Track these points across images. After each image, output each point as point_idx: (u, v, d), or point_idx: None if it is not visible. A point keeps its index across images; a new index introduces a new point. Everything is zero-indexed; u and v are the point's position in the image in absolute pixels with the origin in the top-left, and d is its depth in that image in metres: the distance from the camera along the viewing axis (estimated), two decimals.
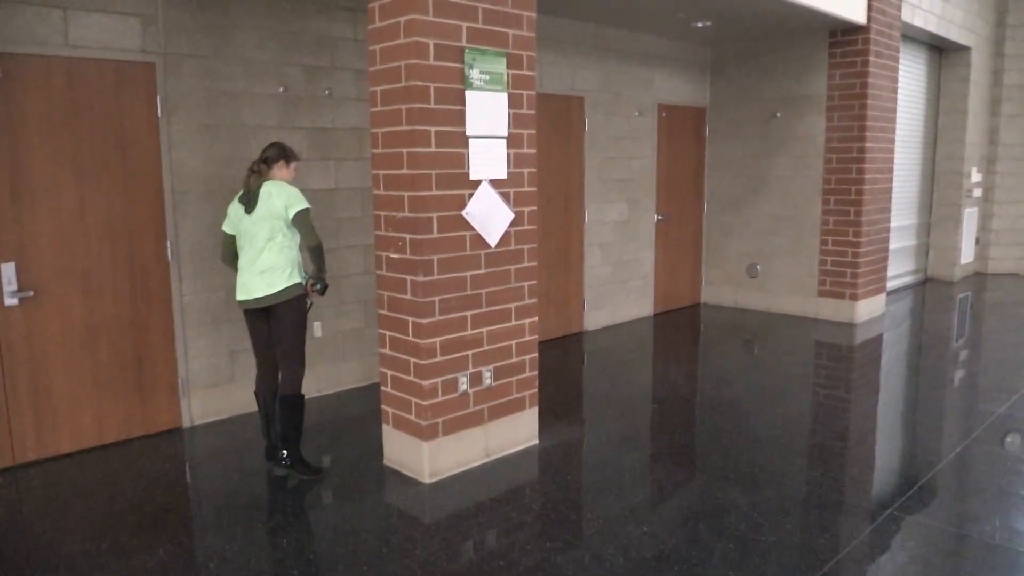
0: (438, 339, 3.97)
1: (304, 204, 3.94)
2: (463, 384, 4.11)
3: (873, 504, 3.75)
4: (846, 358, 6.63)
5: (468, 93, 3.93)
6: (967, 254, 10.63)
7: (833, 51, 7.64)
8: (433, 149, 3.83)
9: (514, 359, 4.39)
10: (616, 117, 7.56)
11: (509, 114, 4.17)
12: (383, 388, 4.23)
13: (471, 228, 4.03)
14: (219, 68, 4.82)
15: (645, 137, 7.95)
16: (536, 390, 4.57)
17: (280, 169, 4.08)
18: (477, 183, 4.05)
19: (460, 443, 4.15)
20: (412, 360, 3.99)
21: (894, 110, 8.07)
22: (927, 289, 9.98)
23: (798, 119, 7.97)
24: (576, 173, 7.25)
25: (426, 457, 4.00)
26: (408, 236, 3.89)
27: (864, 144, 7.54)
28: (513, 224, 4.24)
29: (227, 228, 4.11)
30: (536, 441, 4.58)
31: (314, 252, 3.99)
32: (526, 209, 4.33)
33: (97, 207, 4.41)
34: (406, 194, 3.86)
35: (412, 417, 4.04)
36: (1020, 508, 3.71)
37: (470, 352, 4.13)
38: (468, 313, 4.09)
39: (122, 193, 4.50)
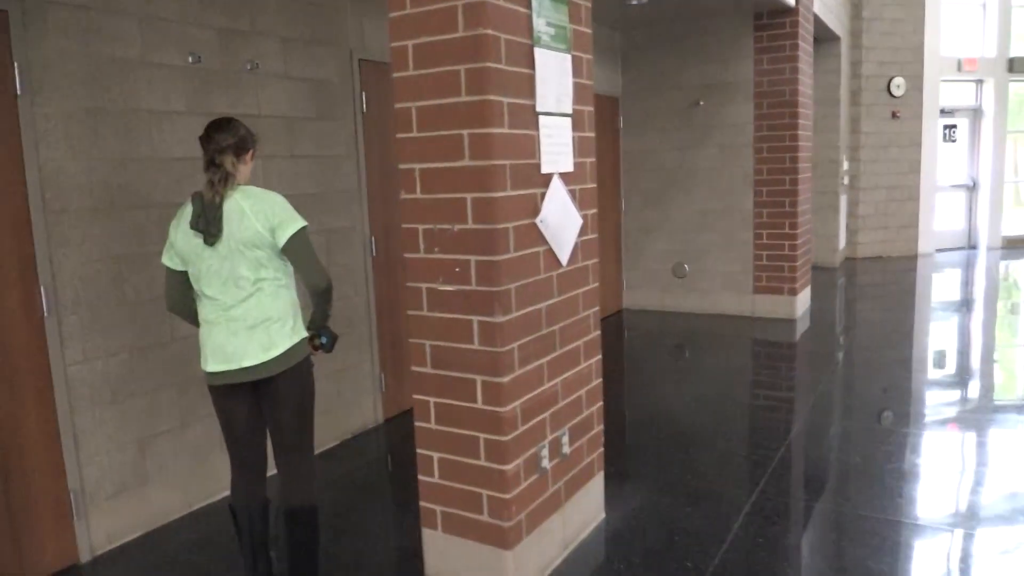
0: (519, 402, 2.79)
1: (300, 221, 2.61)
2: (544, 459, 2.95)
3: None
4: (804, 356, 6.19)
5: (536, 51, 2.79)
6: (841, 240, 10.89)
7: (759, 35, 7.21)
8: (507, 130, 2.65)
9: (584, 413, 3.29)
10: None
11: (573, 84, 3.07)
12: (424, 477, 2.95)
13: (542, 242, 2.89)
14: (104, 24, 3.25)
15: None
16: (603, 449, 3.50)
17: (246, 164, 2.69)
18: (547, 179, 2.92)
19: (542, 540, 2.98)
20: (483, 436, 2.77)
21: (811, 96, 7.85)
22: (815, 276, 10.04)
23: (723, 107, 7.48)
24: None
25: (511, 570, 2.80)
26: (473, 258, 2.67)
27: (797, 132, 7.19)
28: (579, 233, 3.15)
29: (171, 263, 2.68)
30: (604, 515, 3.51)
31: (321, 294, 2.69)
32: (588, 212, 3.26)
33: None
34: (469, 196, 2.64)
35: (484, 517, 2.81)
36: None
37: (548, 413, 2.99)
38: (544, 360, 2.95)
39: None
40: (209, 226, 2.53)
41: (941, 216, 11.79)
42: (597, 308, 3.36)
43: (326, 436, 4.45)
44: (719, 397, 5.30)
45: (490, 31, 2.53)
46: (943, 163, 11.70)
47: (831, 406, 5.03)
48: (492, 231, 2.62)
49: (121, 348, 3.37)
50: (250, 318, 2.57)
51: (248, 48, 3.87)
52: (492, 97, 2.56)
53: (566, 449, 3.11)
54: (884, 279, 9.92)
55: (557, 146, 2.95)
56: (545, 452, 2.95)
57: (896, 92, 10.95)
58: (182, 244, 2.60)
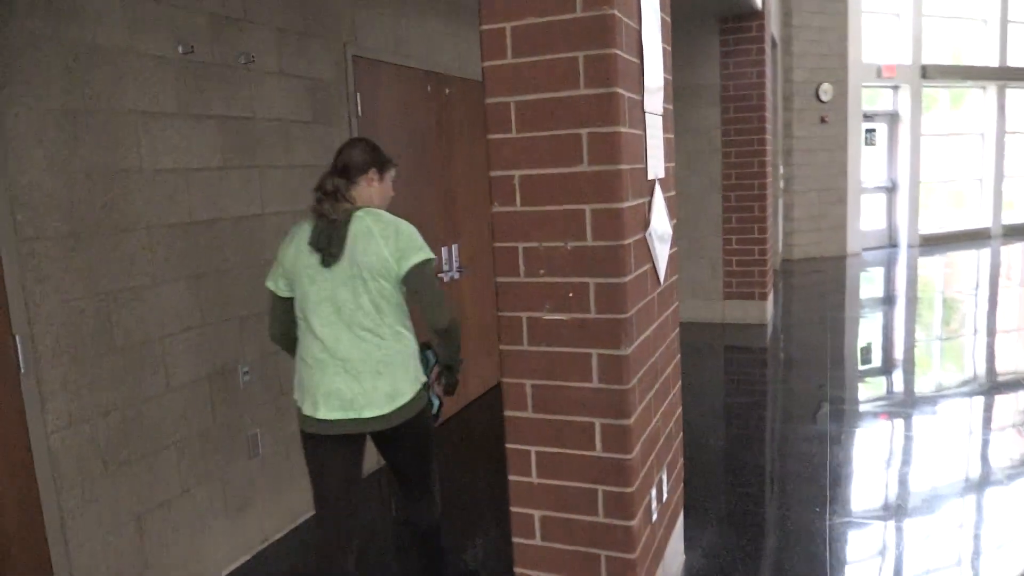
0: (639, 445, 2.38)
1: (427, 252, 2.39)
2: (653, 506, 2.56)
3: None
4: (783, 360, 6.08)
5: (644, 36, 2.40)
6: (780, 243, 11.03)
7: (726, 38, 7.08)
8: (628, 129, 2.25)
9: (673, 447, 2.91)
10: None
11: (666, 78, 2.70)
12: (521, 540, 2.48)
13: (648, 258, 2.50)
14: (82, 1, 2.62)
15: None
16: (683, 484, 3.13)
17: (370, 185, 2.49)
18: (652, 186, 2.53)
19: None
20: (603, 488, 2.34)
21: (772, 100, 7.81)
22: None
23: (690, 111, 7.30)
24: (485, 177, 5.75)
25: None
26: (592, 280, 2.24)
27: (764, 136, 7.10)
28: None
29: (276, 287, 2.46)
30: (683, 556, 3.14)
31: (443, 333, 2.39)
32: (672, 223, 2.89)
33: None
34: (588, 207, 2.21)
35: None
36: None
37: (654, 452, 2.59)
38: (651, 393, 2.55)
39: None
40: (331, 244, 2.31)
41: (866, 217, 12.17)
42: (678, 329, 2.99)
43: None
44: (711, 406, 5.05)
45: (616, 11, 2.12)
46: (866, 166, 12.08)
47: (832, 409, 4.87)
48: (617, 248, 2.20)
49: (112, 405, 2.72)
50: (371, 361, 2.31)
51: (241, 38, 3.29)
52: (619, 90, 2.15)
53: (665, 491, 2.73)
54: (826, 279, 10.12)
55: (656, 148, 2.57)
56: (654, 496, 2.56)
57: (824, 97, 11.21)
58: (291, 263, 2.37)
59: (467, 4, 5.31)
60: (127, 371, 2.78)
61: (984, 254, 12.04)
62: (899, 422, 4.71)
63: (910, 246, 12.41)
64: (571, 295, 2.27)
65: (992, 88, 12.69)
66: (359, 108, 4.05)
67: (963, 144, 13.02)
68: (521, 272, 2.33)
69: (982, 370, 5.96)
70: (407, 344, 2.37)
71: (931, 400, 5.11)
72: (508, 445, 2.45)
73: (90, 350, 2.64)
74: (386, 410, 2.32)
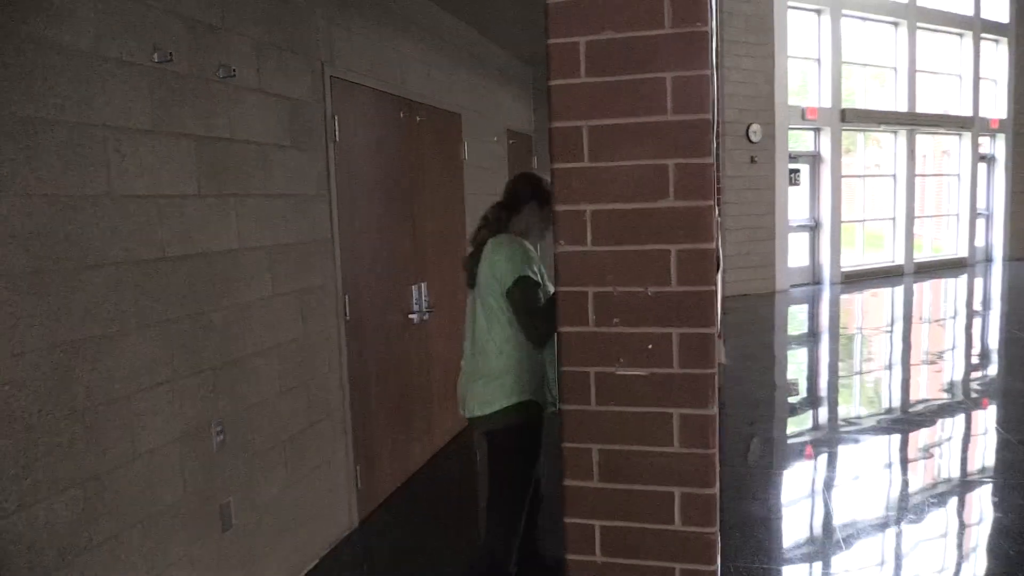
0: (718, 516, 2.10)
1: (518, 271, 2.57)
2: None
3: None
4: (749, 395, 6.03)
5: (712, 54, 2.18)
6: None
7: None
8: (711, 160, 2.00)
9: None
10: (481, 142, 5.94)
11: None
12: None
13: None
14: None
15: (499, 168, 6.44)
16: None
17: (529, 215, 2.77)
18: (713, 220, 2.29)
19: None
20: (680, 567, 2.03)
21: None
22: None
23: None
24: (458, 210, 5.45)
25: None
26: (675, 331, 1.96)
27: (717, 172, 7.09)
28: None
29: None
30: None
31: (539, 349, 2.66)
32: None
33: None
34: (673, 248, 1.94)
35: None
36: None
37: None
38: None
39: None
40: (472, 267, 2.73)
41: (792, 254, 12.49)
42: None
43: (300, 557, 3.42)
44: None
45: (707, 28, 1.89)
46: (791, 205, 12.43)
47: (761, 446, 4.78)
48: (703, 294, 1.93)
49: (71, 481, 2.24)
50: (478, 370, 2.68)
51: (220, 49, 2.89)
52: (704, 116, 1.91)
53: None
54: (761, 315, 10.32)
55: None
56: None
57: (753, 138, 11.48)
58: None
59: (440, 28, 5.04)
60: (90, 438, 2.30)
61: (899, 291, 12.56)
62: (823, 457, 4.95)
63: (832, 283, 12.80)
64: (651, 347, 1.98)
65: (903, 133, 13.36)
66: (336, 132, 3.68)
67: (878, 185, 13.63)
68: (590, 321, 2.02)
69: (900, 402, 6.38)
70: (509, 359, 2.61)
71: (854, 433, 5.35)
72: (568, 520, 2.11)
73: (47, 415, 2.16)
74: (477, 413, 2.67)
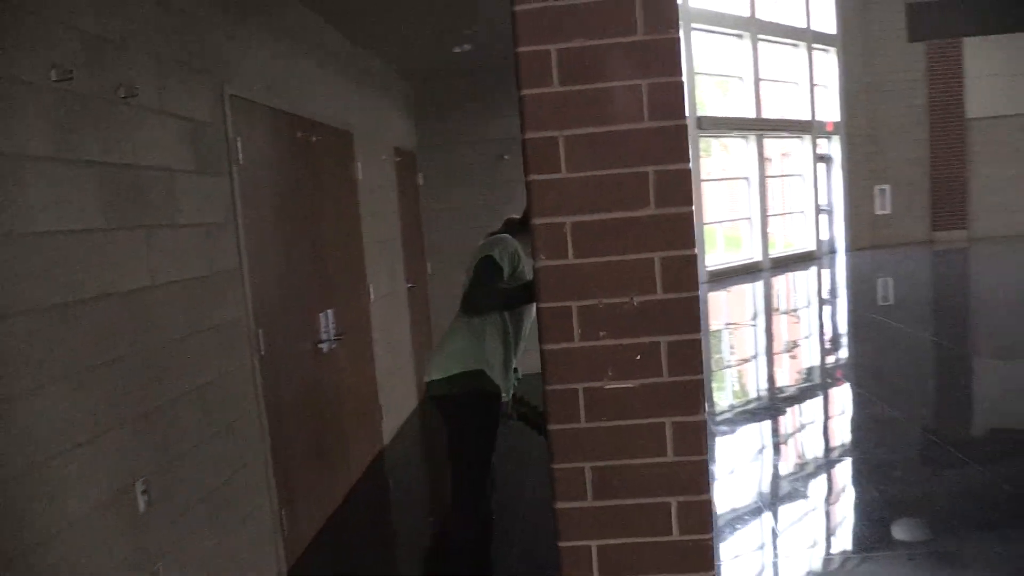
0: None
1: (490, 251, 2.84)
2: None
3: None
4: None
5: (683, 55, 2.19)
6: None
7: None
8: (689, 166, 2.00)
9: None
10: (372, 162, 5.76)
11: None
12: None
13: None
14: None
15: (389, 187, 6.28)
16: None
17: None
18: None
19: None
20: None
21: None
22: None
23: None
24: (356, 233, 5.25)
25: None
26: (663, 339, 1.94)
27: None
28: None
29: None
30: None
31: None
32: None
33: None
34: (657, 255, 1.92)
35: None
36: None
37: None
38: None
39: None
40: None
41: None
42: None
43: None
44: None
45: (678, 34, 1.89)
46: None
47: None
48: (691, 300, 1.93)
49: None
50: (442, 343, 2.98)
51: (121, 66, 2.61)
52: (683, 122, 1.91)
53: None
54: None
55: None
56: None
57: None
58: None
59: (328, 44, 4.86)
60: (7, 513, 1.99)
61: (759, 286, 13.39)
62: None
63: (700, 282, 13.43)
64: (639, 357, 1.95)
65: (752, 137, 14.28)
66: (240, 155, 3.44)
67: (734, 188, 14.49)
68: (576, 336, 1.96)
69: (767, 389, 6.95)
70: (462, 336, 2.83)
71: (726, 423, 5.75)
72: (562, 544, 2.04)
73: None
74: (434, 376, 2.85)
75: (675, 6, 1.87)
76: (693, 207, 1.93)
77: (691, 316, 1.93)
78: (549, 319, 1.97)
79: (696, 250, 1.96)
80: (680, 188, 1.90)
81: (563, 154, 1.92)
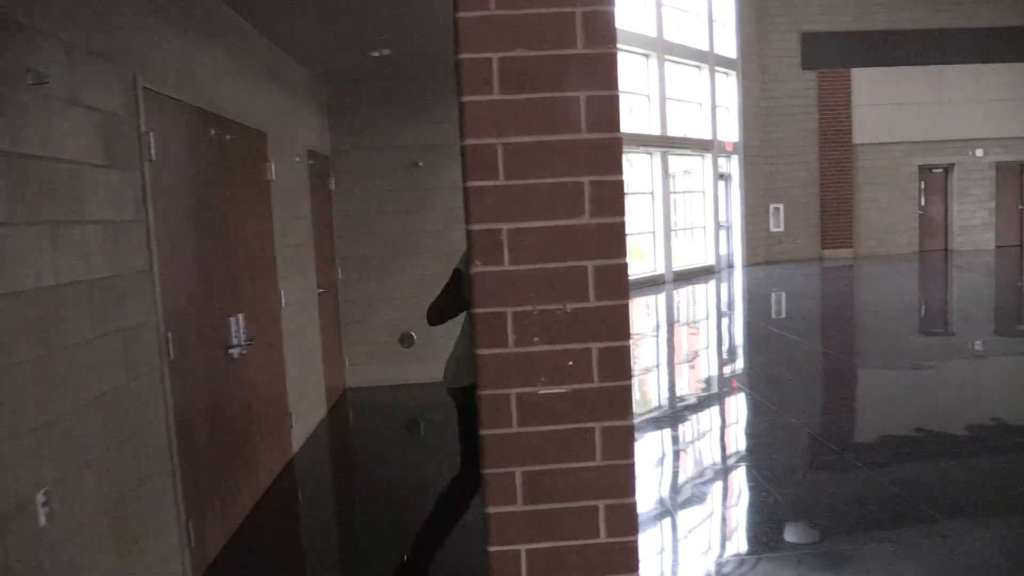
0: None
1: (460, 263, 3.16)
2: None
3: None
4: None
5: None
6: None
7: None
8: (623, 177, 2.06)
9: None
10: (286, 163, 5.62)
11: None
12: None
13: None
14: None
15: (302, 190, 6.14)
16: None
17: None
18: None
19: None
20: None
21: None
22: None
23: (445, 169, 7.25)
24: (268, 234, 5.10)
25: None
26: (595, 345, 1.99)
27: None
28: None
29: None
30: None
31: None
32: None
33: None
34: (590, 263, 1.97)
35: None
36: None
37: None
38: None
39: None
40: None
41: None
42: None
43: None
44: None
45: (616, 49, 1.95)
46: None
47: None
48: (622, 308, 1.99)
49: None
50: (455, 349, 3.46)
51: (29, 50, 2.47)
52: (619, 135, 1.97)
53: None
54: None
55: None
56: None
57: None
58: None
59: (246, 42, 4.74)
60: None
61: (662, 298, 13.82)
62: None
63: None
64: (571, 363, 1.99)
65: (657, 154, 14.74)
66: (152, 151, 3.30)
67: (640, 202, 14.90)
68: (510, 342, 1.99)
69: (668, 397, 7.21)
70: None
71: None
72: (492, 548, 2.05)
73: None
74: (451, 385, 3.37)
75: (614, 23, 1.92)
76: (626, 217, 1.99)
77: (622, 323, 1.99)
78: (484, 324, 1.99)
79: (627, 259, 2.02)
80: (614, 198, 1.95)
81: (501, 161, 1.94)
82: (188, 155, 3.83)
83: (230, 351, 4.19)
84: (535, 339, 1.98)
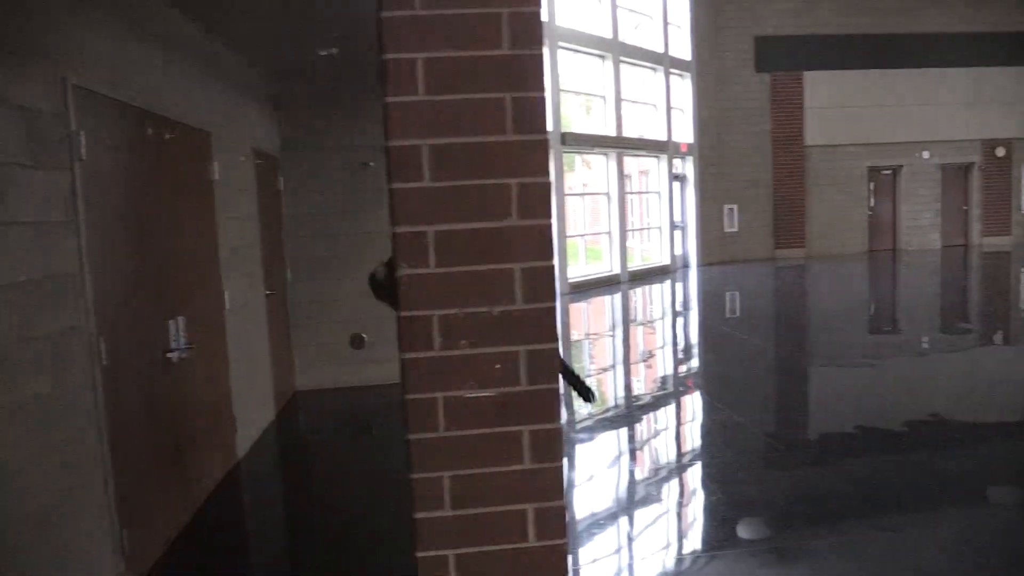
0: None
1: None
2: None
3: None
4: None
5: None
6: None
7: None
8: (550, 179, 2.06)
9: None
10: (231, 163, 5.52)
11: None
12: None
13: None
14: None
15: (249, 190, 6.04)
16: None
17: None
18: None
19: None
20: None
21: None
22: None
23: None
24: (211, 236, 5.00)
25: None
26: (523, 348, 1.98)
27: None
28: None
29: None
30: None
31: None
32: None
33: None
34: (518, 266, 1.97)
35: None
36: None
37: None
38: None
39: None
40: None
41: None
42: None
43: None
44: None
45: (541, 51, 1.95)
46: None
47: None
48: (549, 310, 1.99)
49: None
50: None
51: None
52: (544, 136, 1.96)
53: None
54: None
55: None
56: None
57: None
58: None
59: (187, 39, 4.64)
60: None
61: (617, 298, 13.91)
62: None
63: (561, 293, 13.79)
64: (498, 366, 1.98)
65: (613, 155, 14.83)
66: (83, 150, 3.21)
67: (596, 203, 14.98)
68: (436, 345, 1.97)
69: (624, 397, 7.25)
70: None
71: (585, 431, 5.95)
72: (420, 554, 2.03)
73: None
74: None
75: (540, 24, 1.92)
76: (553, 220, 1.99)
77: (549, 326, 1.98)
78: (409, 328, 1.97)
79: (555, 261, 2.02)
80: (541, 201, 1.95)
81: (427, 163, 1.92)
82: (124, 155, 3.73)
83: (169, 355, 4.09)
84: (461, 342, 1.97)
